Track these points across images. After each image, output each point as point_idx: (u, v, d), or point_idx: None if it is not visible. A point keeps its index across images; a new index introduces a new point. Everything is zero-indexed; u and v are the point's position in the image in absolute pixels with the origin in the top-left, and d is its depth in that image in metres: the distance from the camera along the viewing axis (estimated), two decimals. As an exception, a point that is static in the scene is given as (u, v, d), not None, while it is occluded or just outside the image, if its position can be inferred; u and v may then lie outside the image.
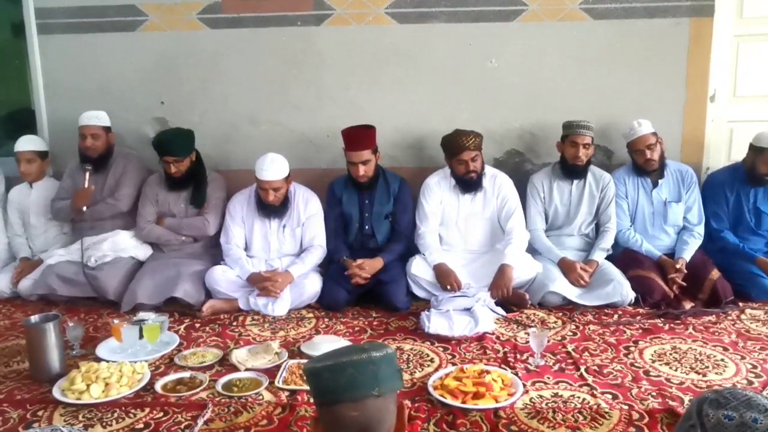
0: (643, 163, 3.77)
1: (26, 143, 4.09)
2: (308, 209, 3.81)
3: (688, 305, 3.45)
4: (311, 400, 2.47)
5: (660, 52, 3.99)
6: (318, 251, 3.77)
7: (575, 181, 3.84)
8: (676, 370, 2.73)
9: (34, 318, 2.85)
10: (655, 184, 3.84)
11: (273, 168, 3.58)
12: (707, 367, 2.77)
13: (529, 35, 4.04)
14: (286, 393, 2.57)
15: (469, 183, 3.71)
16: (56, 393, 2.55)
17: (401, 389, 1.38)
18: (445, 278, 3.53)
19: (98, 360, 2.85)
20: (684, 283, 3.56)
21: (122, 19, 4.18)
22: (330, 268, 3.75)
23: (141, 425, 2.35)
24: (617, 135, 4.01)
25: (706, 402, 1.07)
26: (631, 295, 3.49)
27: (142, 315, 3.23)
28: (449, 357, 2.93)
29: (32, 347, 2.77)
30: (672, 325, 3.25)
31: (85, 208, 3.87)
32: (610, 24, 3.99)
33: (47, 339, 2.73)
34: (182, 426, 2.33)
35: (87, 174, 3.90)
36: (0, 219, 4.23)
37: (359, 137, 3.68)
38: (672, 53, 3.99)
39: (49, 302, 3.75)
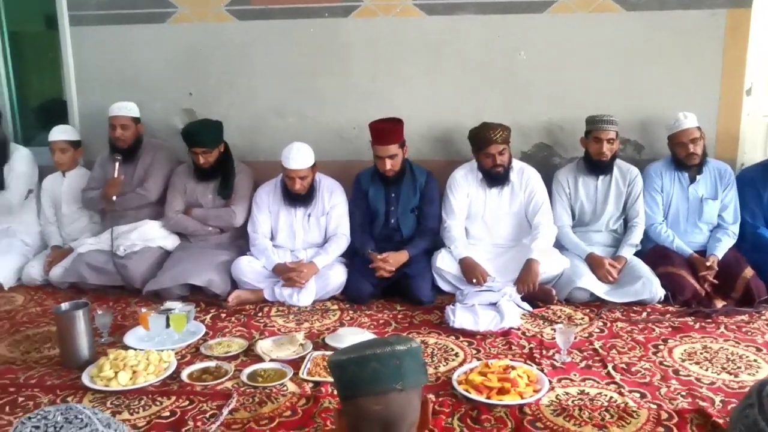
0: (684, 157, 3.68)
1: (59, 133, 4.16)
2: (333, 199, 3.82)
3: (719, 304, 3.38)
4: (335, 392, 2.47)
5: (695, 45, 3.90)
6: (341, 240, 3.78)
7: (601, 177, 3.78)
8: (706, 370, 2.67)
9: (65, 305, 2.90)
10: (692, 180, 3.75)
11: (299, 157, 3.59)
12: (739, 367, 2.70)
13: (560, 27, 3.97)
14: (311, 384, 2.58)
15: (496, 177, 3.67)
16: (85, 379, 2.60)
17: (426, 384, 1.36)
18: (471, 272, 3.50)
19: (126, 348, 2.88)
20: (716, 281, 3.48)
21: (152, 10, 4.22)
22: (355, 261, 3.75)
23: (167, 413, 2.37)
24: (648, 129, 3.93)
25: None
26: (660, 293, 3.42)
27: (168, 304, 3.27)
28: (474, 352, 2.90)
29: (62, 334, 2.81)
30: (703, 324, 3.18)
31: (114, 198, 3.93)
32: (643, 16, 3.90)
33: (77, 326, 2.78)
34: (207, 415, 2.35)
35: (117, 164, 3.95)
36: (34, 207, 4.31)
37: (386, 131, 3.66)
38: (707, 45, 3.89)
39: (79, 290, 3.81)
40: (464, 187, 3.75)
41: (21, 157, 4.25)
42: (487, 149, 3.60)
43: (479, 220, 3.77)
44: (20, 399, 2.50)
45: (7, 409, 2.43)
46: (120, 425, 1.05)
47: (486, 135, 3.60)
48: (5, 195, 4.17)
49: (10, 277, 3.94)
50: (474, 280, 3.47)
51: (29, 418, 0.99)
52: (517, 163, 3.78)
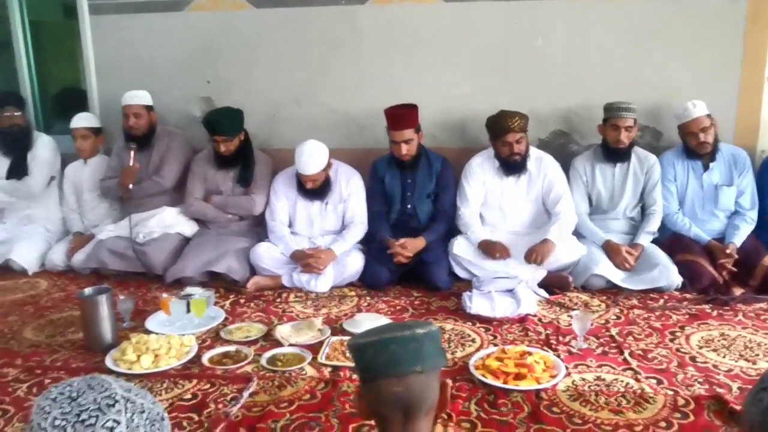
0: (695, 146, 3.65)
1: (80, 120, 4.23)
2: (350, 186, 3.83)
3: (738, 292, 3.36)
4: (354, 376, 2.51)
5: (715, 30, 3.84)
6: (359, 228, 3.80)
7: (618, 164, 3.76)
8: (724, 357, 2.67)
9: (88, 290, 2.95)
10: (705, 168, 3.72)
11: (311, 162, 3.60)
12: (757, 354, 2.70)
13: (577, 13, 3.94)
14: (329, 369, 2.61)
15: (513, 165, 3.67)
16: (109, 363, 2.65)
17: (445, 367, 1.39)
18: (491, 249, 3.52)
19: (148, 332, 2.94)
20: (734, 269, 3.46)
21: (170, -1, 4.25)
22: (372, 247, 3.78)
23: (189, 396, 2.42)
24: (667, 116, 3.90)
25: None
26: (677, 280, 3.42)
27: (189, 290, 3.32)
28: (491, 338, 2.93)
29: (86, 318, 2.87)
30: (720, 311, 3.17)
31: (131, 186, 3.98)
32: (663, 1, 3.85)
33: (100, 311, 2.83)
34: (228, 398, 2.39)
35: (132, 152, 3.99)
36: (56, 194, 4.38)
37: (402, 116, 3.67)
38: (728, 31, 3.83)
39: (101, 276, 3.88)
40: (480, 176, 3.75)
41: (44, 145, 4.32)
42: (504, 137, 3.59)
43: (496, 208, 3.78)
44: (47, 381, 2.56)
45: (34, 390, 2.49)
46: (141, 392, 1.09)
47: (503, 123, 3.59)
48: (28, 181, 4.24)
49: (34, 262, 4.03)
50: (497, 255, 3.48)
51: (56, 386, 1.05)
52: (534, 152, 3.77)
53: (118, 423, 1.00)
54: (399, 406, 1.28)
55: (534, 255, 3.44)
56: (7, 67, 4.78)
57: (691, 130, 3.64)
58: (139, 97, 4.06)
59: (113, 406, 1.01)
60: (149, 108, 4.10)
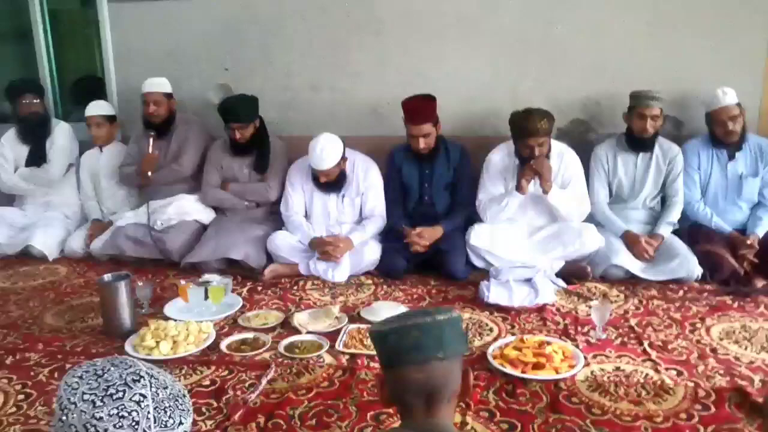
0: (723, 135, 3.59)
1: (95, 108, 4.25)
2: (368, 179, 3.81)
3: (760, 283, 3.31)
4: (371, 364, 2.51)
5: (740, 16, 3.76)
6: (378, 221, 3.79)
7: (641, 154, 3.71)
8: (745, 349, 2.63)
9: (107, 277, 2.97)
10: (731, 157, 3.65)
11: (324, 157, 3.56)
12: (780, 347, 2.67)
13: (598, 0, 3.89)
14: (347, 357, 2.61)
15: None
16: (128, 348, 2.68)
17: (466, 353, 1.38)
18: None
19: (166, 319, 2.96)
20: (756, 260, 3.41)
21: (189, -14, 4.25)
22: (389, 236, 3.76)
23: (207, 382, 2.44)
24: (689, 104, 3.84)
25: None
26: (698, 271, 3.37)
27: (206, 277, 3.34)
28: (508, 327, 2.91)
29: (105, 304, 2.90)
30: (742, 303, 3.13)
31: (150, 174, 4.00)
32: (687, -14, 3.80)
33: (119, 297, 2.86)
34: (246, 384, 2.40)
35: (151, 140, 4.02)
36: (74, 182, 4.42)
37: (419, 110, 3.62)
38: (753, 18, 3.75)
39: (119, 262, 3.90)
40: (500, 170, 3.70)
41: (62, 132, 4.36)
42: (526, 140, 3.50)
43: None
44: (67, 366, 2.59)
45: (55, 374, 2.52)
46: (162, 372, 1.13)
47: (528, 126, 3.46)
48: (47, 168, 4.28)
49: (53, 249, 4.07)
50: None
51: (80, 366, 1.10)
52: (556, 146, 3.67)
53: (145, 397, 1.04)
54: (421, 392, 1.28)
55: (536, 164, 3.46)
56: (26, 55, 4.82)
57: (720, 119, 3.57)
58: (159, 84, 4.07)
59: (138, 381, 1.05)
60: (169, 96, 4.11)
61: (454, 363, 1.33)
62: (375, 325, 1.39)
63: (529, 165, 3.48)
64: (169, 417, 1.06)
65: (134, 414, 1.02)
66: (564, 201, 3.56)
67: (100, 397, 1.02)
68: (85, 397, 1.02)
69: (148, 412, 1.03)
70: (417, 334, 1.29)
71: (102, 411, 1.01)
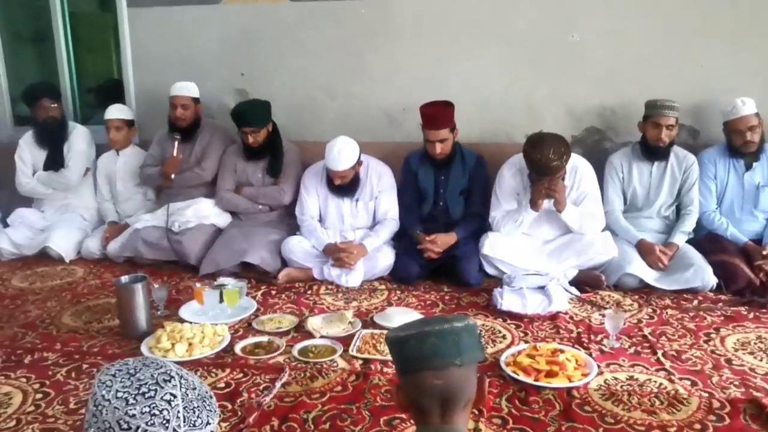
0: (741, 145, 3.57)
1: (115, 111, 4.29)
2: (381, 183, 3.83)
3: (776, 295, 3.29)
4: (384, 369, 2.52)
5: (759, 24, 3.74)
6: (391, 224, 3.81)
7: (656, 163, 3.70)
8: (761, 361, 2.62)
9: (124, 278, 3.01)
10: (748, 167, 3.64)
11: (341, 158, 3.59)
12: (795, 358, 2.65)
13: (615, 6, 3.88)
14: (360, 361, 2.63)
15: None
16: (144, 350, 2.71)
17: (483, 360, 1.40)
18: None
19: (181, 321, 2.98)
20: (772, 271, 3.39)
21: (207, -9, 4.30)
22: (402, 242, 3.78)
23: (222, 384, 2.46)
24: (705, 114, 3.82)
25: None
26: (712, 281, 3.36)
27: (222, 280, 3.37)
28: (521, 335, 2.91)
29: (122, 306, 2.93)
30: (757, 313, 3.11)
31: (173, 176, 4.05)
32: (704, -6, 3.78)
33: (136, 299, 2.89)
34: (261, 387, 2.42)
35: (176, 143, 4.06)
36: (91, 184, 4.47)
37: (437, 115, 3.63)
38: (771, 27, 3.75)
39: (135, 264, 3.94)
40: (513, 187, 3.67)
41: (79, 136, 4.38)
42: (541, 177, 3.42)
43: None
44: (84, 366, 2.63)
45: (73, 374, 2.56)
46: (190, 373, 1.17)
47: (544, 165, 3.32)
48: (65, 173, 4.31)
49: (70, 250, 4.11)
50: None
51: (112, 364, 1.14)
52: (570, 160, 3.55)
53: (175, 396, 1.08)
54: (438, 398, 1.30)
55: (548, 183, 3.37)
56: (47, 58, 4.88)
57: (738, 128, 3.56)
58: (188, 89, 4.11)
59: (169, 381, 1.09)
60: (196, 100, 4.15)
61: (471, 370, 1.34)
62: (392, 331, 1.41)
63: (543, 185, 3.43)
64: (198, 417, 1.09)
65: (165, 413, 1.06)
66: (578, 218, 3.54)
67: (133, 395, 1.06)
68: (119, 394, 1.06)
69: (178, 411, 1.07)
70: (435, 341, 1.31)
71: (135, 409, 1.04)
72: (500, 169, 3.74)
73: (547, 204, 3.54)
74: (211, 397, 1.14)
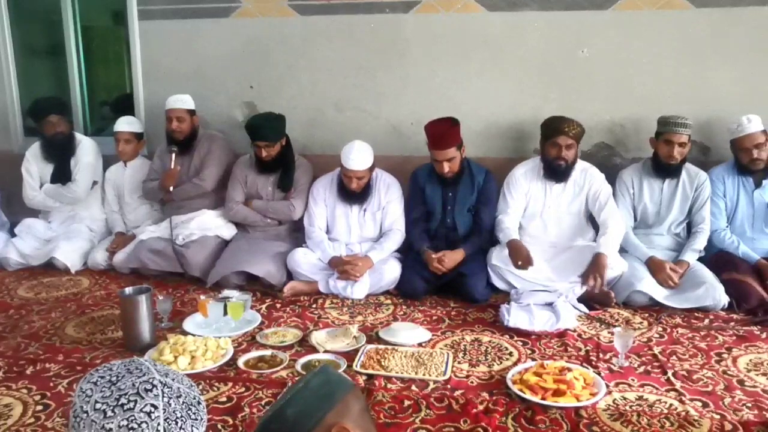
0: (747, 163, 3.55)
1: (125, 124, 4.31)
2: (389, 194, 3.83)
3: (788, 314, 3.23)
4: (388, 386, 2.49)
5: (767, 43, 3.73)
6: (396, 235, 3.79)
7: (667, 180, 3.67)
8: (774, 382, 2.57)
9: (129, 290, 2.99)
10: (758, 185, 3.60)
11: (359, 158, 3.62)
12: (809, 380, 2.59)
13: (625, 24, 3.87)
14: (364, 377, 2.59)
15: (556, 170, 3.61)
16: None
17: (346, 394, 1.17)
18: (517, 253, 3.43)
19: (185, 333, 2.97)
20: (785, 290, 3.33)
21: (217, 5, 4.32)
22: (409, 256, 3.75)
23: (224, 398, 2.43)
24: (716, 131, 3.79)
25: None
26: (724, 300, 3.30)
27: (226, 293, 3.34)
28: (529, 352, 2.87)
29: (126, 317, 2.91)
30: (770, 333, 3.06)
31: (171, 188, 4.04)
32: (715, 12, 3.76)
33: (140, 310, 2.87)
34: (263, 402, 2.39)
35: (173, 155, 4.06)
36: (98, 196, 4.47)
37: (443, 135, 3.59)
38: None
39: (140, 276, 3.93)
40: (523, 185, 3.71)
41: (87, 149, 4.37)
42: (555, 138, 3.56)
43: (537, 218, 3.72)
44: (86, 378, 2.60)
45: (74, 386, 2.53)
46: (179, 375, 1.12)
47: (559, 125, 3.58)
48: (72, 187, 4.31)
49: (76, 261, 4.11)
50: (519, 263, 3.40)
51: (97, 369, 1.10)
52: (581, 164, 3.71)
53: (156, 408, 1.04)
54: None
55: (592, 279, 3.32)
56: (58, 70, 4.92)
57: (745, 146, 3.53)
58: (182, 101, 4.11)
59: (150, 390, 1.05)
60: (192, 112, 4.15)
61: (348, 405, 1.14)
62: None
63: (523, 254, 3.42)
64: (180, 428, 1.05)
65: (144, 426, 1.02)
66: (613, 245, 3.47)
67: (112, 407, 1.02)
68: (97, 406, 1.02)
69: (158, 424, 1.03)
70: (291, 411, 1.11)
71: (112, 422, 1.01)
72: (512, 171, 3.77)
73: (552, 206, 3.68)
74: (199, 403, 1.10)
